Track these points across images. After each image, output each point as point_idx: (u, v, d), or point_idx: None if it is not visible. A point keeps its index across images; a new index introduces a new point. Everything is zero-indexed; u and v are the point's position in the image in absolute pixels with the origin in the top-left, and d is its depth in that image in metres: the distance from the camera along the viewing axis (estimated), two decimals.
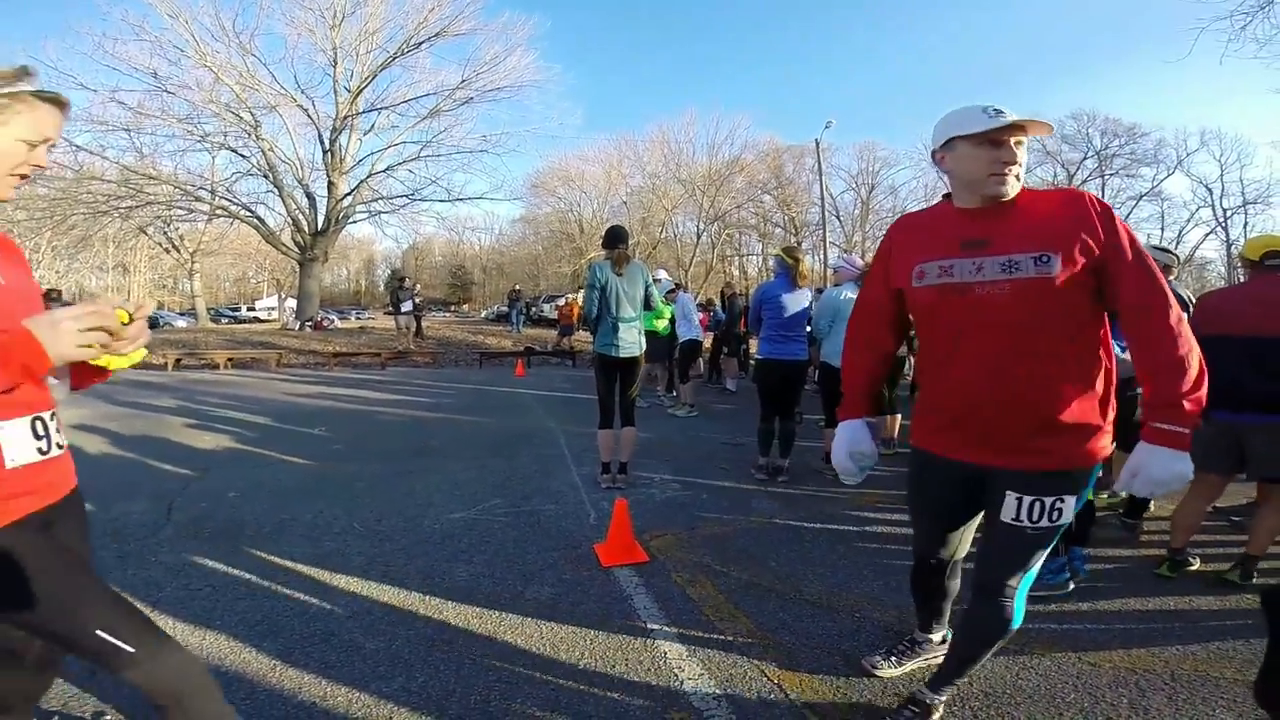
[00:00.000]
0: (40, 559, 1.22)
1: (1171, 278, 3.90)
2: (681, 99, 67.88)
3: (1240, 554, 3.00)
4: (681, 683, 2.13)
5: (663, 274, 8.42)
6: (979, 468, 1.64)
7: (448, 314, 40.74)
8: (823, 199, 29.34)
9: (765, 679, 2.17)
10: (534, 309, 26.77)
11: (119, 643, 1.22)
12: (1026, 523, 1.57)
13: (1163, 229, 31.92)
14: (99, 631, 1.22)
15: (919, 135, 71.41)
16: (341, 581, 2.87)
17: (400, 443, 5.88)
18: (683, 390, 7.76)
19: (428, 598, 2.72)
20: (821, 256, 28.56)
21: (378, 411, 7.70)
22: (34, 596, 1.19)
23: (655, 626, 2.51)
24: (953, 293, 1.57)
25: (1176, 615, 2.64)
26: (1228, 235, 30.61)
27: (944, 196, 1.72)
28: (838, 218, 37.12)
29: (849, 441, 1.85)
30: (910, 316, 1.82)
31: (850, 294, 4.74)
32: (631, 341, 4.23)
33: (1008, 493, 1.58)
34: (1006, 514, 1.59)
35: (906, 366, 6.33)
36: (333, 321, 25.84)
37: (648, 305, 4.38)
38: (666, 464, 5.09)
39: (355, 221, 23.10)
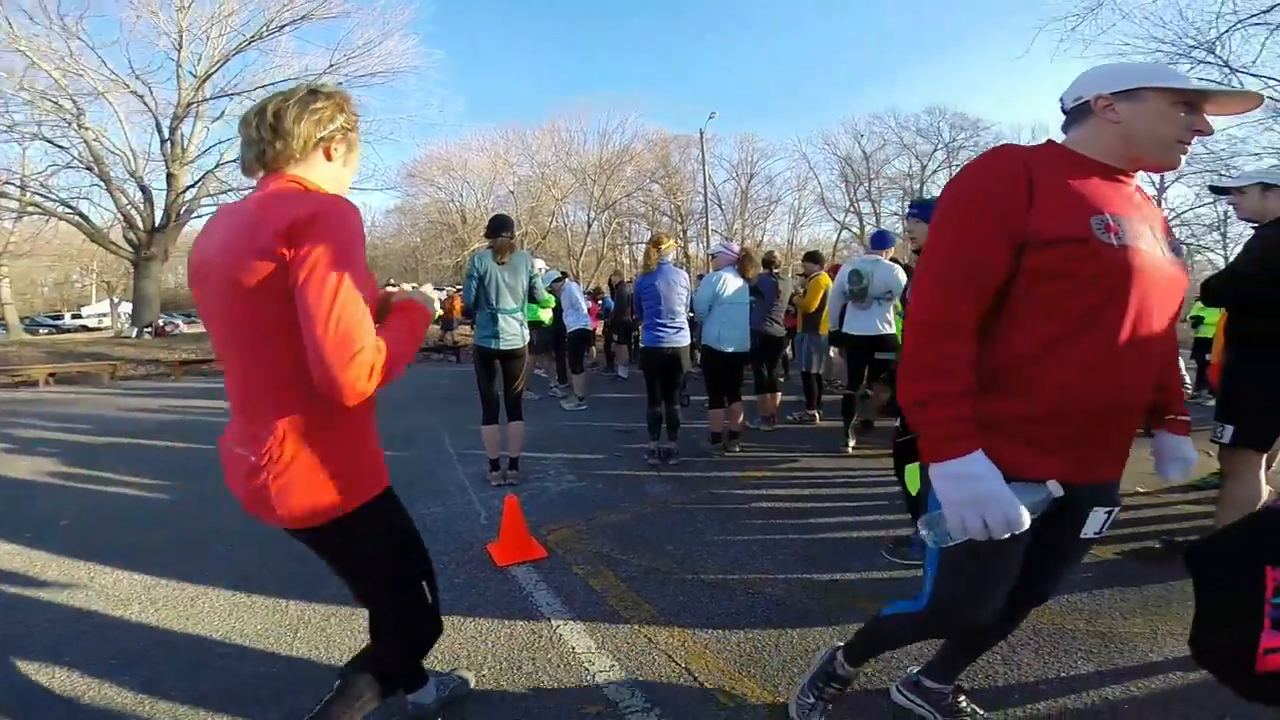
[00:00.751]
0: None
1: None
2: (574, 89, 66.70)
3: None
4: (593, 676, 2.12)
5: (540, 264, 8.26)
6: (1073, 487, 1.25)
7: None
8: (705, 187, 30.32)
9: (674, 664, 2.19)
10: None
11: None
12: (1097, 535, 1.41)
13: None
14: None
15: (793, 128, 75.75)
16: (206, 604, 2.66)
17: None
18: (574, 381, 7.65)
19: (307, 614, 2.55)
20: (705, 243, 29.50)
21: None
22: None
23: (560, 622, 2.47)
24: (1145, 262, 1.18)
25: None
26: None
27: (1049, 142, 1.35)
28: (719, 206, 38.40)
29: (990, 495, 1.14)
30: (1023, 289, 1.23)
31: (729, 277, 4.86)
32: (513, 333, 4.09)
33: (1096, 509, 1.36)
34: (1090, 529, 1.38)
35: (789, 346, 6.63)
36: (177, 326, 23.25)
37: (532, 297, 4.25)
38: (559, 456, 4.99)
39: (200, 216, 20.76)
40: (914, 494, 2.78)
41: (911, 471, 2.79)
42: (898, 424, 2.84)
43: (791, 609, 2.57)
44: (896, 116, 36.86)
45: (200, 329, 23.05)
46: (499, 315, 4.02)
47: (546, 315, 7.58)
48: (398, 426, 6.29)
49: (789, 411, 6.37)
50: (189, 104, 18.75)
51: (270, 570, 2.97)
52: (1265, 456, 2.76)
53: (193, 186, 19.49)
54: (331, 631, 2.44)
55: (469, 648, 2.31)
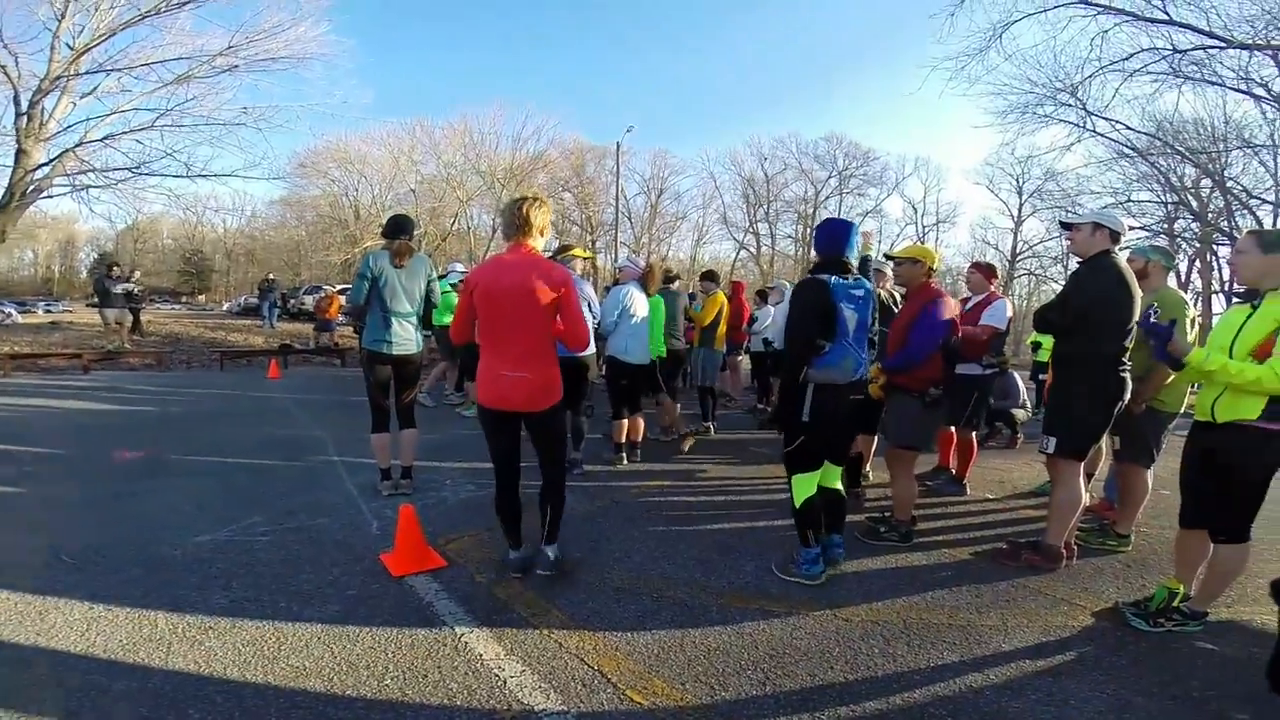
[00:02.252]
0: None
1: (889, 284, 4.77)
2: (490, 91, 65.01)
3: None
4: (504, 682, 2.10)
5: (459, 266, 8.02)
6: None
7: (178, 306, 33.87)
8: (617, 200, 30.63)
9: (587, 667, 2.21)
10: (292, 301, 23.61)
11: None
12: None
13: (880, 242, 38.95)
14: None
15: (702, 146, 77.87)
16: (59, 621, 2.39)
17: (117, 460, 4.76)
18: (469, 388, 7.41)
19: (181, 630, 2.36)
20: (613, 255, 29.72)
21: (83, 425, 6.09)
22: None
23: (465, 630, 2.42)
24: None
25: (897, 572, 3.17)
26: None
27: None
28: (629, 219, 38.94)
29: None
30: None
31: (635, 291, 4.96)
32: (407, 338, 3.92)
33: None
34: None
35: (687, 361, 6.82)
36: (10, 316, 20.15)
37: (429, 301, 4.10)
38: (458, 465, 4.82)
39: (51, 196, 18.12)
40: (797, 506, 2.96)
41: (797, 483, 2.96)
42: (784, 437, 3.01)
43: (693, 610, 2.67)
44: (798, 142, 39.09)
45: (37, 320, 20.13)
46: (393, 318, 3.85)
47: (449, 319, 7.32)
48: (279, 435, 5.82)
49: (688, 424, 6.54)
50: (58, 77, 16.39)
51: (129, 583, 2.70)
52: (1084, 466, 3.20)
53: (47, 164, 17.01)
54: (211, 645, 2.25)
55: (367, 659, 2.21)
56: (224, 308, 31.24)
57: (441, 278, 6.82)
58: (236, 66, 17.80)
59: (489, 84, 61.91)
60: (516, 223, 2.62)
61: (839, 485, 3.11)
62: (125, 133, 17.74)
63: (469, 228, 33.75)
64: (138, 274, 15.84)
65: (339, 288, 18.84)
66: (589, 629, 2.48)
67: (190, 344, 13.95)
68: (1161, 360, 2.52)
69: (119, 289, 12.64)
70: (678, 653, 2.33)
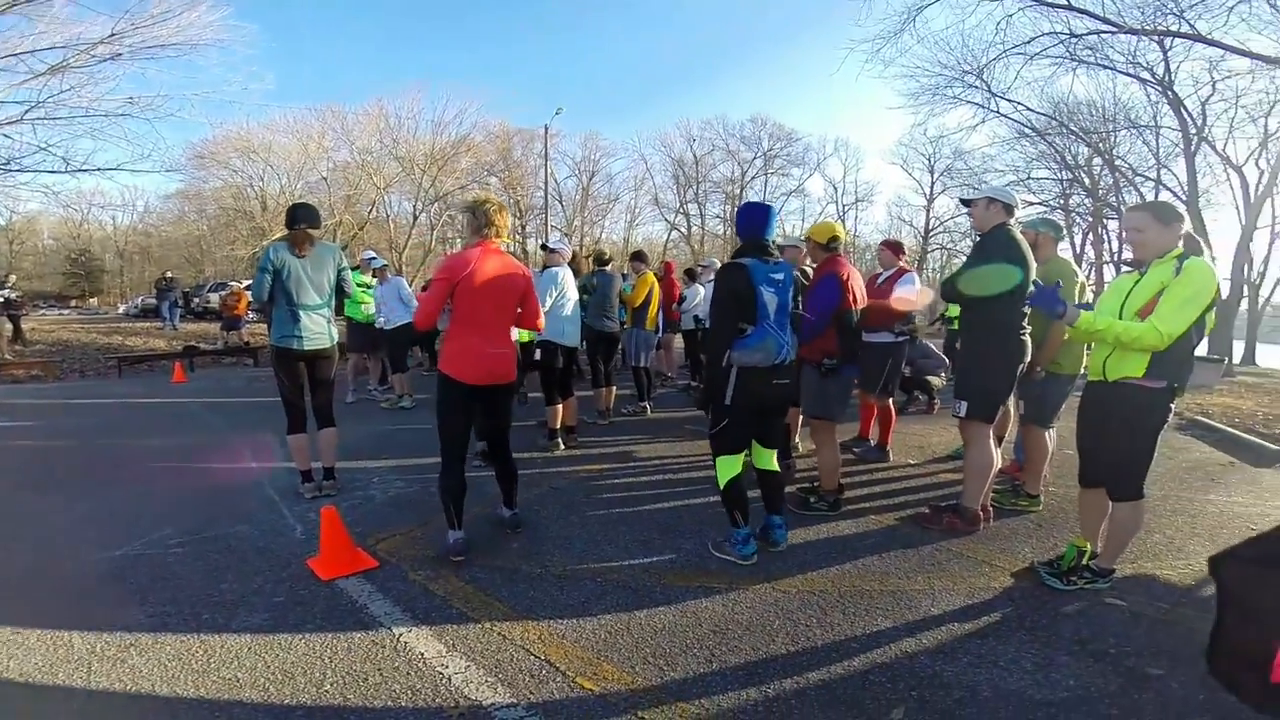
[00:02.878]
0: None
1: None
2: (410, 76, 61.26)
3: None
4: (449, 679, 2.05)
5: (370, 253, 7.62)
6: None
7: (67, 311, 30.78)
8: (546, 183, 30.00)
9: (533, 657, 2.18)
10: (197, 300, 22.28)
11: None
12: None
13: (803, 221, 40.00)
14: None
15: (636, 128, 77.34)
16: None
17: (5, 479, 4.31)
18: (396, 381, 7.13)
19: (100, 649, 2.21)
20: (543, 240, 29.11)
21: None
22: None
23: (403, 630, 2.35)
24: None
25: (829, 541, 3.26)
26: (845, 226, 39.47)
27: None
28: (560, 202, 38.28)
29: None
30: None
31: (567, 274, 4.88)
32: (318, 332, 3.71)
33: None
34: None
35: (621, 343, 6.80)
36: None
37: (341, 291, 3.88)
38: (384, 463, 4.62)
39: None
40: (720, 486, 3.00)
41: (721, 464, 2.99)
42: (710, 419, 3.04)
43: (637, 592, 2.67)
44: (725, 123, 39.23)
45: None
46: (301, 312, 3.63)
47: (369, 309, 7.00)
48: (189, 442, 5.40)
49: (623, 405, 6.54)
50: None
51: (38, 605, 2.52)
52: (994, 429, 3.40)
53: None
54: (135, 662, 2.11)
55: (303, 665, 2.11)
56: (120, 310, 28.69)
57: (354, 268, 6.47)
58: (120, 55, 16.16)
59: (408, 73, 59.00)
60: (484, 224, 2.98)
61: (775, 467, 3.15)
62: None
63: (388, 215, 32.29)
64: (13, 278, 14.34)
65: (246, 283, 17.67)
66: (533, 619, 2.44)
67: (82, 351, 12.73)
68: (1049, 312, 2.60)
69: None
70: (625, 636, 2.33)
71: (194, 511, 3.59)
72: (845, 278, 3.48)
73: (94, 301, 38.42)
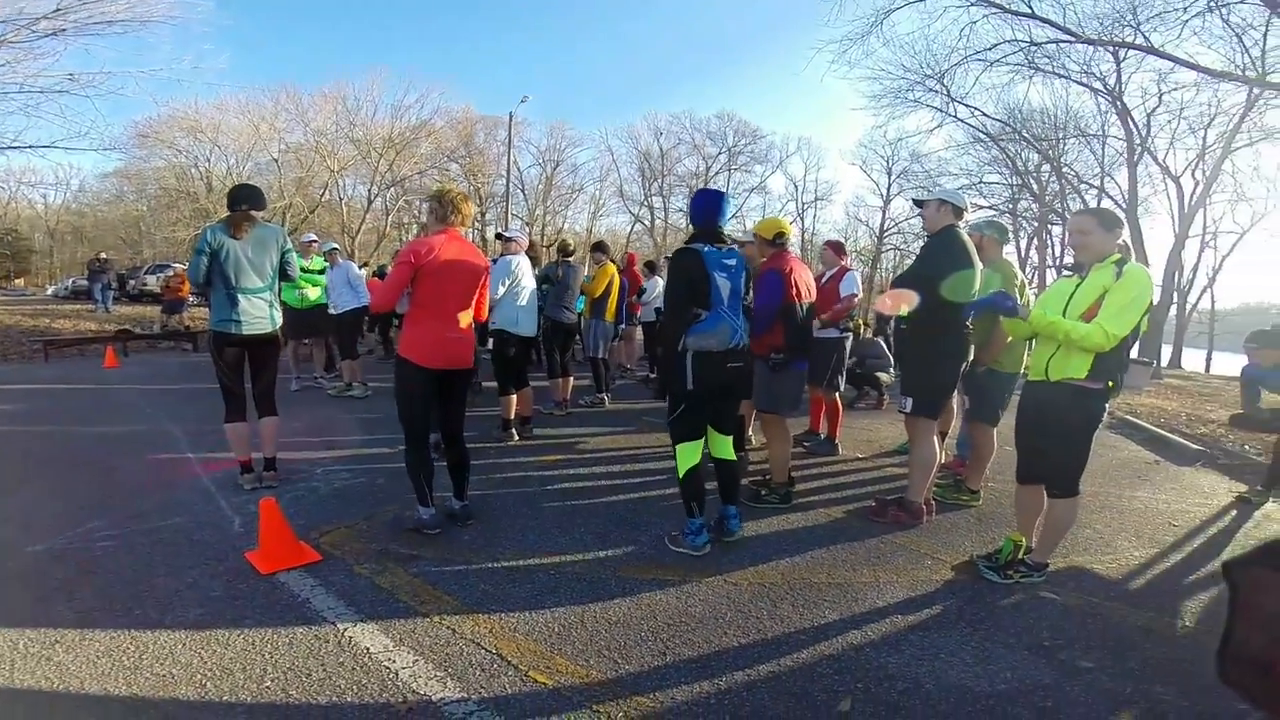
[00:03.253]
0: None
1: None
2: (371, 59, 59.30)
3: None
4: (396, 673, 2.01)
5: (311, 235, 7.35)
6: None
7: None
8: (509, 171, 29.43)
9: (484, 651, 2.15)
10: (133, 282, 21.19)
11: None
12: None
13: (764, 217, 40.32)
14: None
15: (602, 121, 76.85)
16: None
17: None
18: (346, 368, 6.90)
19: (24, 646, 2.11)
20: (503, 228, 28.65)
21: None
22: None
23: (347, 625, 2.29)
24: None
25: (779, 534, 3.30)
26: (803, 224, 40.15)
27: None
28: (523, 191, 37.72)
29: None
30: None
31: (524, 263, 4.80)
32: (259, 316, 3.57)
33: None
34: None
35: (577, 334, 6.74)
36: None
37: (284, 274, 3.73)
38: (330, 453, 4.47)
39: None
40: (680, 475, 3.00)
41: (681, 451, 2.99)
42: (668, 406, 3.05)
43: (592, 584, 2.66)
44: (692, 118, 39.38)
45: None
46: (240, 296, 3.48)
47: (316, 293, 6.75)
48: (120, 431, 5.10)
49: (580, 396, 6.49)
50: None
51: None
52: (939, 425, 3.49)
53: None
54: (61, 659, 2.03)
55: (242, 661, 2.02)
56: (48, 292, 26.96)
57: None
58: (64, 30, 15.10)
59: (371, 59, 56.96)
60: (450, 211, 3.05)
61: (731, 455, 3.17)
62: None
63: (341, 199, 31.25)
64: None
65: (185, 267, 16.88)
66: (484, 612, 2.39)
67: (4, 334, 11.92)
68: (1003, 310, 2.76)
69: None
70: (578, 629, 2.31)
71: (125, 503, 3.40)
72: (788, 272, 3.50)
73: (20, 283, 36.06)
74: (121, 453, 4.44)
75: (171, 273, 15.68)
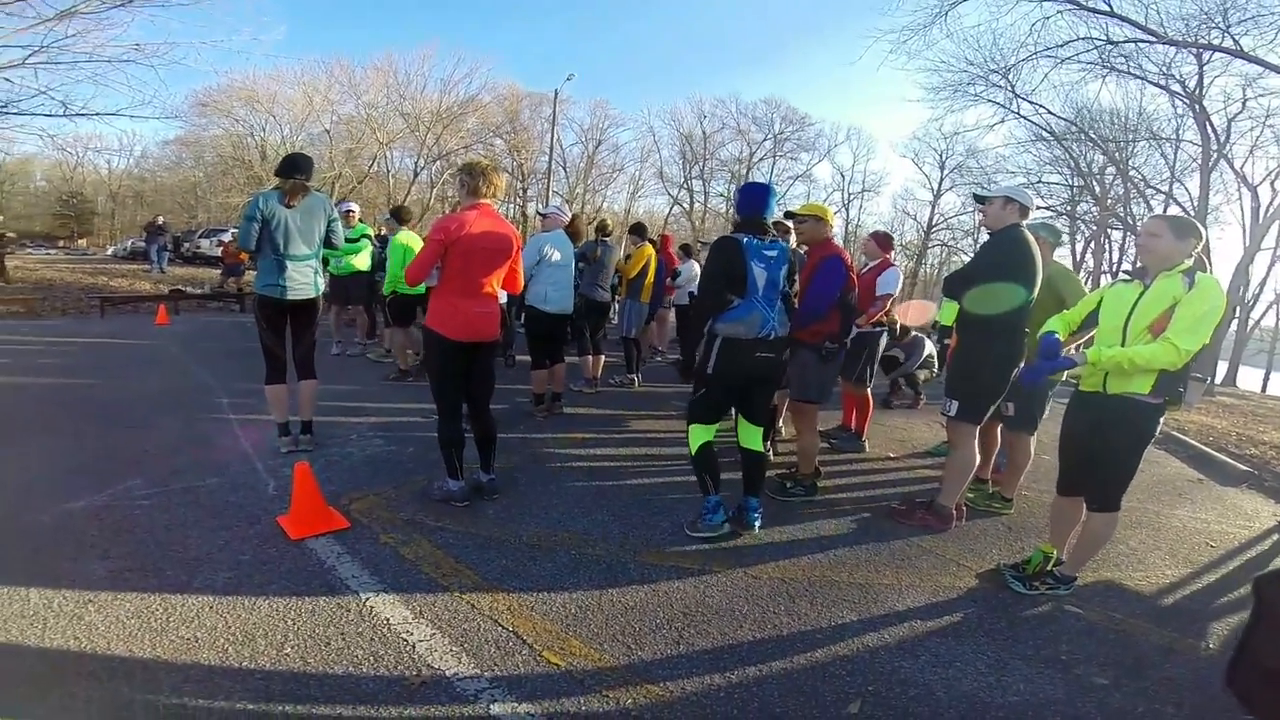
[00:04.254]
0: None
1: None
2: (426, 33, 59.91)
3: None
4: (413, 646, 2.03)
5: (350, 205, 7.50)
6: None
7: (54, 251, 30.17)
8: (552, 149, 29.53)
9: (500, 628, 2.16)
10: (188, 245, 22.08)
11: None
12: None
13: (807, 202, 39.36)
14: None
15: (645, 101, 76.15)
16: None
17: None
18: (389, 335, 7.04)
19: (58, 605, 2.14)
20: (544, 204, 28.75)
21: None
22: None
23: (370, 594, 2.32)
24: None
25: (804, 529, 3.25)
26: (848, 215, 39.28)
27: None
28: (564, 168, 37.74)
29: None
30: None
31: (558, 239, 4.81)
32: (304, 282, 3.65)
33: None
34: None
35: (612, 312, 6.73)
36: None
37: (330, 243, 3.82)
38: (365, 419, 4.57)
39: None
40: (691, 452, 3.00)
41: (694, 430, 3.00)
42: (692, 386, 3.09)
43: (611, 567, 2.66)
44: (738, 103, 38.64)
45: None
46: (288, 262, 3.57)
47: (363, 261, 6.89)
48: (165, 387, 5.31)
49: (611, 375, 6.50)
50: None
51: None
52: (984, 452, 3.36)
53: None
54: (92, 619, 2.07)
55: (265, 627, 2.08)
56: (108, 252, 28.16)
57: None
58: (132, 0, 15.60)
59: (422, 35, 57.21)
60: (481, 182, 3.03)
61: (760, 446, 3.13)
62: None
63: (389, 170, 31.80)
64: (0, 218, 13.99)
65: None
66: (503, 589, 2.42)
67: (66, 290, 12.49)
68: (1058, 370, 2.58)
69: None
70: (595, 612, 2.32)
71: (164, 462, 3.52)
72: (850, 261, 3.51)
73: (82, 243, 37.74)
74: (164, 409, 4.59)
75: (230, 237, 16.22)
